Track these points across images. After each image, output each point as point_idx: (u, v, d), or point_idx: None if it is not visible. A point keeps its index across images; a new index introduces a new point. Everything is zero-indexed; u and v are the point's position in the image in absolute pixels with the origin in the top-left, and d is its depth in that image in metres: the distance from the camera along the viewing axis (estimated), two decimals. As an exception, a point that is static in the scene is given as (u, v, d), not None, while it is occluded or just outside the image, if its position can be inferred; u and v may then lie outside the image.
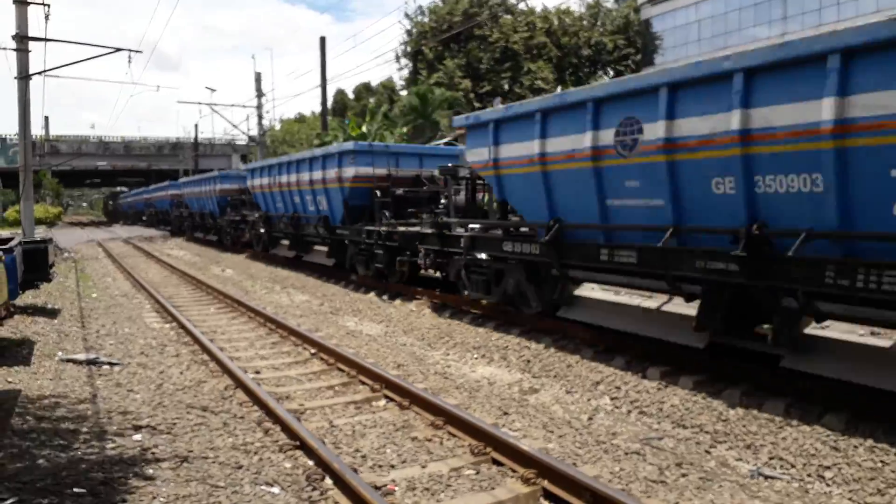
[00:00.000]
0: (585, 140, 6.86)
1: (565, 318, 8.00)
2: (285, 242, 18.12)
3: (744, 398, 5.59)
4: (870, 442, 4.65)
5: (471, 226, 9.75)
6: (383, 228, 12.04)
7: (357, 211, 13.53)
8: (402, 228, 11.64)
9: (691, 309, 6.44)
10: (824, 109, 4.75)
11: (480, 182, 10.93)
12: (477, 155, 8.86)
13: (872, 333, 6.45)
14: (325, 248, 15.53)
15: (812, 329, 5.81)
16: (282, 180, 16.94)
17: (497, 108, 8.93)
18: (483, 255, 9.15)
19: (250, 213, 20.89)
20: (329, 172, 13.97)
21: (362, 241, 12.82)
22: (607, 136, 6.62)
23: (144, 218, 48.46)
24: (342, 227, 13.86)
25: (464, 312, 9.71)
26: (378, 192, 12.89)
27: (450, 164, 11.73)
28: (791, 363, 5.55)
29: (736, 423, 5.12)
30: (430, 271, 11.15)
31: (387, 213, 12.75)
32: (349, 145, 13.84)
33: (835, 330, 6.29)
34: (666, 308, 7.24)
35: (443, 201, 12.34)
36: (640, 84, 6.38)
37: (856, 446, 4.61)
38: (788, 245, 5.05)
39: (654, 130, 6.06)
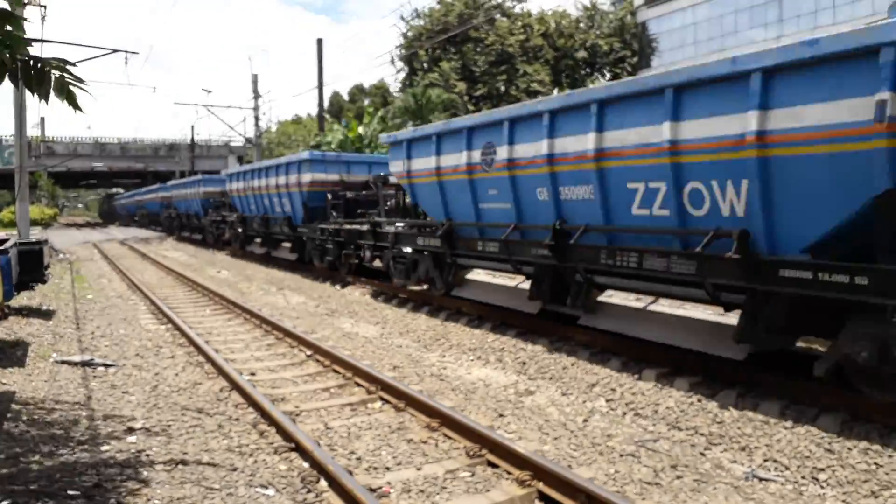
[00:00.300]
0: (463, 158, 8.92)
1: (457, 296, 10.09)
2: (258, 240, 20.40)
3: (739, 400, 5.61)
4: (864, 444, 4.67)
5: (397, 224, 11.77)
6: (332, 226, 13.98)
7: (314, 212, 15.44)
8: (346, 226, 13.46)
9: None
10: (589, 141, 6.77)
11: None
12: (396, 166, 10.87)
13: (637, 299, 8.93)
14: (289, 245, 17.87)
15: (603, 297, 8.04)
16: (254, 185, 19.11)
17: (408, 130, 11.13)
18: (406, 248, 10.95)
19: (229, 214, 22.92)
20: (291, 178, 16.08)
21: (317, 238, 14.88)
22: (477, 156, 8.70)
23: (136, 219, 50.98)
24: (302, 226, 15.91)
25: (461, 314, 9.75)
26: (330, 196, 14.96)
27: (381, 173, 13.55)
28: (584, 321, 7.65)
29: (731, 425, 5.14)
30: (375, 262, 12.94)
31: (334, 213, 14.74)
32: (306, 155, 15.95)
33: (616, 298, 8.88)
34: (521, 286, 9.39)
35: (389, 203, 14.05)
36: (494, 118, 8.49)
37: (850, 448, 4.63)
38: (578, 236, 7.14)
39: (502, 153, 8.15)
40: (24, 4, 15.95)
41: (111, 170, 58.37)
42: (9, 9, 3.49)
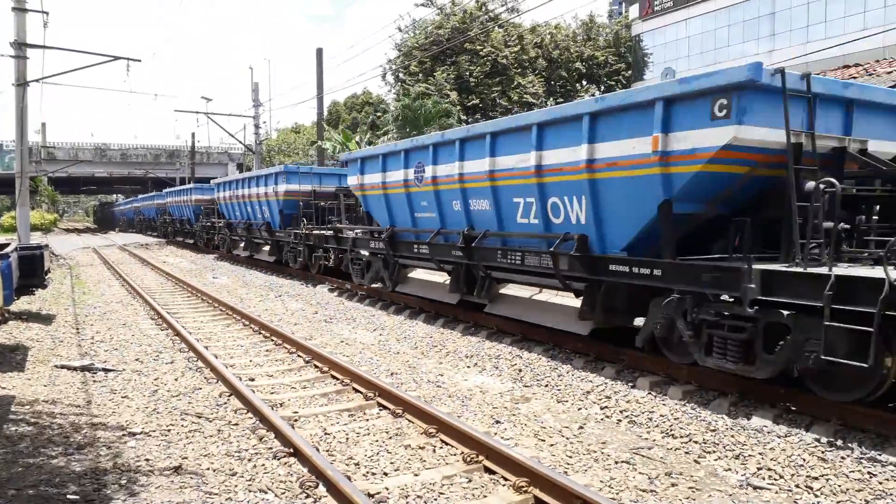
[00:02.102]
0: (401, 175, 11.10)
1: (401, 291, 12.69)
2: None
3: (732, 409, 5.67)
4: (857, 453, 4.73)
5: (356, 230, 14.22)
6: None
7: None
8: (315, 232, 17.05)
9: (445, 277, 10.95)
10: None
11: None
12: (352, 180, 13.05)
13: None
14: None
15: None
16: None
17: (360, 150, 14.04)
18: (363, 252, 13.34)
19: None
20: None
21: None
22: (411, 173, 10.60)
23: (120, 224, 63.04)
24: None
25: (457, 322, 9.82)
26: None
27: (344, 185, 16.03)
28: (489, 309, 9.31)
29: (725, 434, 5.19)
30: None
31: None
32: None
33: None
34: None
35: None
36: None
37: (843, 457, 4.68)
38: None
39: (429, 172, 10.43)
40: (26, 11, 16.11)
41: (111, 176, 58.47)
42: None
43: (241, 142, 36.22)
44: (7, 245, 12.23)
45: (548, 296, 9.19)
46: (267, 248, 19.55)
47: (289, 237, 16.92)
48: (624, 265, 6.64)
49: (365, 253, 12.51)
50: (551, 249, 7.44)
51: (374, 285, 12.36)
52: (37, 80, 17.33)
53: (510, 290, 9.73)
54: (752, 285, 5.39)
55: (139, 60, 17.86)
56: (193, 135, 48.74)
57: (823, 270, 5.11)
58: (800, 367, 5.34)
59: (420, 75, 31.91)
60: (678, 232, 6.33)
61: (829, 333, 4.93)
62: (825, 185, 5.34)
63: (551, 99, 31.10)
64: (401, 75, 33.92)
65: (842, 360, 4.89)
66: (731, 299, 5.73)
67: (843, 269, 5.22)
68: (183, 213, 32.45)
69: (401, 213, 10.99)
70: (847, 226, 5.86)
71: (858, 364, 4.78)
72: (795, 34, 23.91)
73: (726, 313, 5.79)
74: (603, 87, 33.47)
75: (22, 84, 16.30)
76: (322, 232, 14.96)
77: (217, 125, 39.08)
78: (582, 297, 7.52)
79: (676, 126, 6.01)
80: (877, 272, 4.86)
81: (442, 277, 10.84)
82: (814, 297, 5.02)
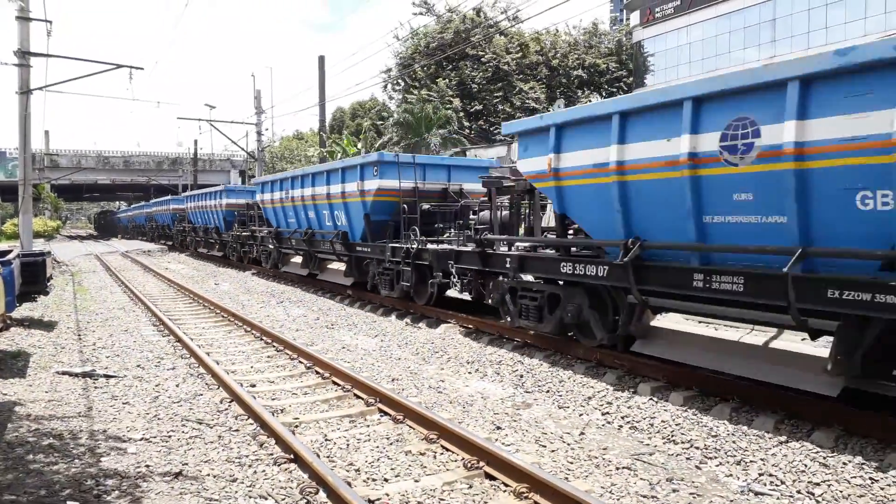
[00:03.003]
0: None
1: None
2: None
3: (734, 414, 5.66)
4: (859, 459, 4.71)
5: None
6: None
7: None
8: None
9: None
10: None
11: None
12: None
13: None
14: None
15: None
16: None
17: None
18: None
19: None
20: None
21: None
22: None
23: (120, 230, 70.37)
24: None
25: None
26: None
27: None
28: (320, 277, 15.59)
29: (726, 439, 5.17)
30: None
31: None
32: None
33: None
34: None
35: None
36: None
37: (845, 463, 4.66)
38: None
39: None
40: (30, 20, 16.23)
41: (114, 183, 58.61)
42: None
43: (243, 149, 36.33)
44: (9, 252, 12.29)
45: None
46: (217, 246, 25.75)
47: (230, 238, 23.12)
48: (360, 247, 12.83)
49: (270, 246, 18.35)
50: (332, 240, 13.64)
51: (277, 269, 18.07)
52: (40, 88, 17.42)
53: (333, 265, 14.93)
54: (388, 253, 11.56)
55: (142, 68, 17.94)
56: (196, 142, 48.85)
57: (405, 245, 11.00)
58: (409, 289, 11.01)
59: (424, 79, 32.00)
60: (379, 230, 12.38)
61: (406, 271, 10.95)
62: (409, 206, 11.80)
63: (551, 105, 31.21)
64: (402, 81, 34.03)
65: (406, 283, 11.07)
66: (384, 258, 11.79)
67: (411, 245, 10.83)
68: (164, 220, 39.55)
69: (281, 219, 17.04)
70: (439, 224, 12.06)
71: (407, 284, 11.01)
72: (797, 40, 23.95)
73: (385, 266, 11.82)
74: (604, 94, 33.60)
75: (25, 92, 16.39)
76: (246, 233, 20.95)
77: (220, 132, 39.47)
78: (346, 266, 13.89)
79: (365, 178, 12.23)
80: (415, 245, 10.87)
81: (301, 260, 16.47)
82: (402, 256, 11.07)
